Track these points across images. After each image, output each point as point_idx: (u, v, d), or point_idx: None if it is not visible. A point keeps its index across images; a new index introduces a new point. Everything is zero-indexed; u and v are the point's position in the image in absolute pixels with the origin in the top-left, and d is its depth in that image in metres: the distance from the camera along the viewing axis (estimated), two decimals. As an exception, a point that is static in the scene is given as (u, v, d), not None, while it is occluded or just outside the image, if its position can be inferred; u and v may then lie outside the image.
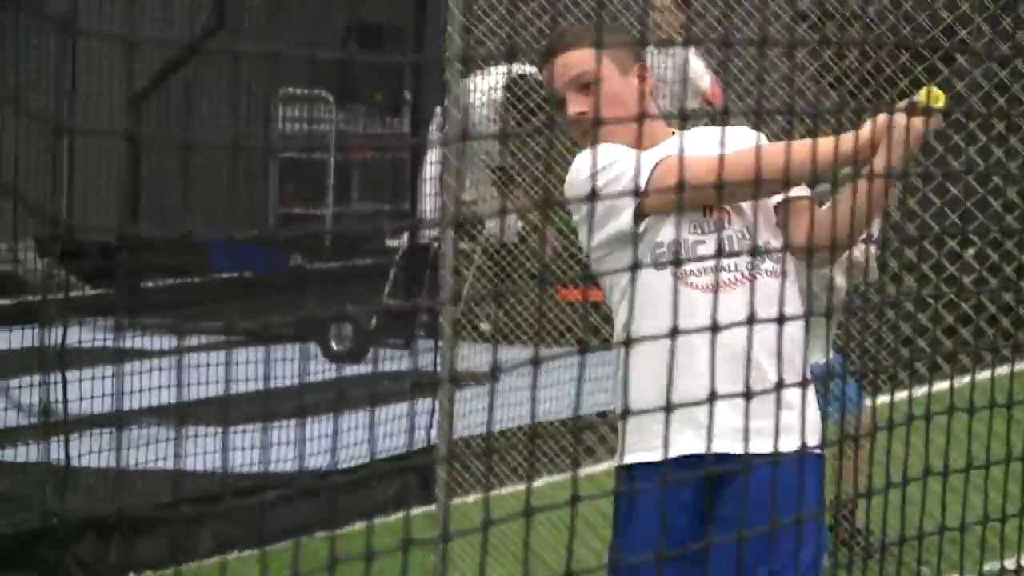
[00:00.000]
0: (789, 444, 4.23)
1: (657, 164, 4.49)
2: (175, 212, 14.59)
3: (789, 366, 4.19)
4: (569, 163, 4.68)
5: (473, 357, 8.92)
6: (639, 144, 3.90)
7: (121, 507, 8.66)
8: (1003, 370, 4.30)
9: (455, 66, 8.04)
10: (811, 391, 4.48)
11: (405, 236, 13.46)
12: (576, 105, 4.69)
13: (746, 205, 4.52)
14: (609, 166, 4.46)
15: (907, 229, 7.96)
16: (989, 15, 8.42)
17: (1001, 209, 8.30)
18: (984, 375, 3.88)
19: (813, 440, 4.37)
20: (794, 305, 4.45)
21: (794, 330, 4.20)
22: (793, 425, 4.32)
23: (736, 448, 4.01)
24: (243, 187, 15.48)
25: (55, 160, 10.67)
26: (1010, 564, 4.02)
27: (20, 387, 9.65)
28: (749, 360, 3.29)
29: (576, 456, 3.25)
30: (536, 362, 2.64)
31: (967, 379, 3.89)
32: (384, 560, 2.49)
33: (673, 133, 4.76)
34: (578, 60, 4.70)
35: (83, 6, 11.59)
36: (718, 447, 3.69)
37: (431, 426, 8.69)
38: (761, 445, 4.00)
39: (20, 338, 9.96)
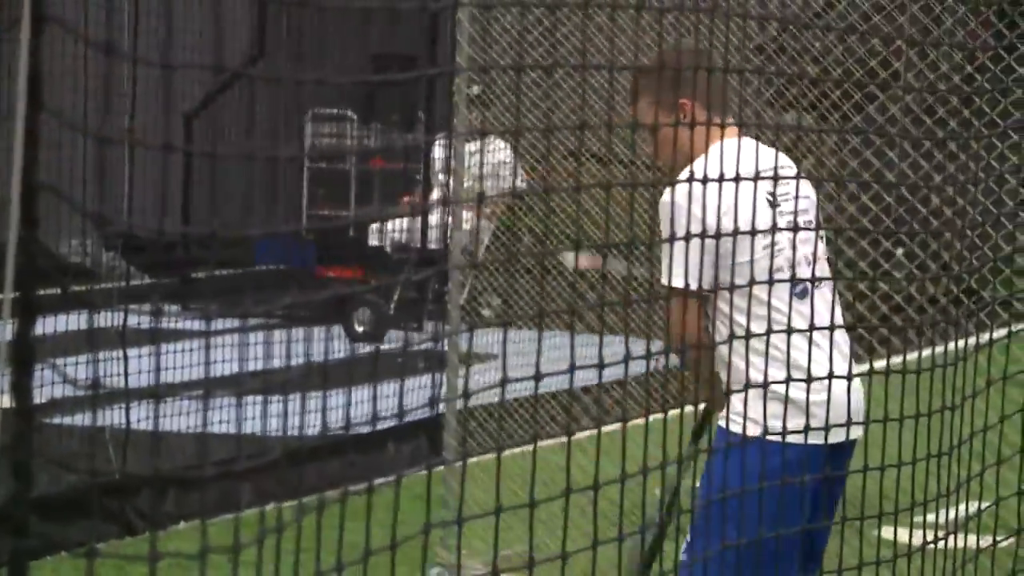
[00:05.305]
0: None
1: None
2: (227, 214, 14.49)
3: None
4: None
5: (477, 338, 8.86)
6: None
7: (175, 467, 8.62)
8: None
9: (463, 90, 8.02)
10: None
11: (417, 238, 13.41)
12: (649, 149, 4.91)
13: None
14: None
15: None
16: (919, 49, 8.40)
17: (928, 215, 8.30)
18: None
19: None
20: None
21: None
22: None
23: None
24: (281, 193, 15.43)
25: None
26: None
27: (77, 364, 9.52)
28: None
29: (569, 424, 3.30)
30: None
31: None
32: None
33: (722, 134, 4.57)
34: (638, 114, 4.75)
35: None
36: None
37: (439, 398, 8.65)
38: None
39: (85, 321, 9.86)
